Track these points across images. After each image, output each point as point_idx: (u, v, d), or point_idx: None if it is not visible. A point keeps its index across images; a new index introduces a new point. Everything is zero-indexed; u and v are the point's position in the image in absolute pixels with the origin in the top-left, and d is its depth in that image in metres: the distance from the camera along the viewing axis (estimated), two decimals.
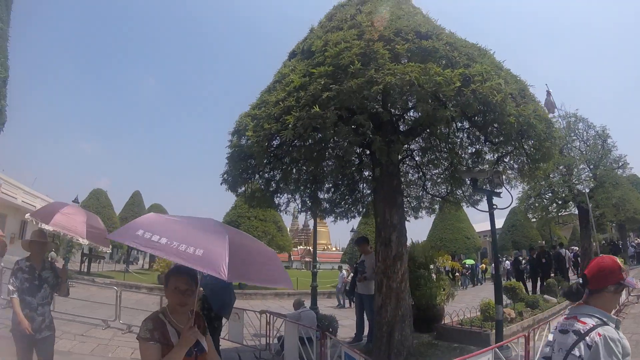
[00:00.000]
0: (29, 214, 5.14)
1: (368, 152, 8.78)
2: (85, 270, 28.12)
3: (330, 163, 9.36)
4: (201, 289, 6.28)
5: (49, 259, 5.36)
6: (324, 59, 6.66)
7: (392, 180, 8.38)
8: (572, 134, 21.09)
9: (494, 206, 8.97)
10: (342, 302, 19.19)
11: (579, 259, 22.27)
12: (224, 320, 7.59)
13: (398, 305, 7.86)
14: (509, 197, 9.05)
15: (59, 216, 4.70)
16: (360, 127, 6.73)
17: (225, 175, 8.36)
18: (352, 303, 17.30)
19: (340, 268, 23.10)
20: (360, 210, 10.92)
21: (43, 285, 4.56)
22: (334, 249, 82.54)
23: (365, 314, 9.88)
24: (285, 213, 10.65)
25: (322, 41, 7.32)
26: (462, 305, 12.60)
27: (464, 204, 11.35)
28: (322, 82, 6.20)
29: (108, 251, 5.51)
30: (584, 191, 19.90)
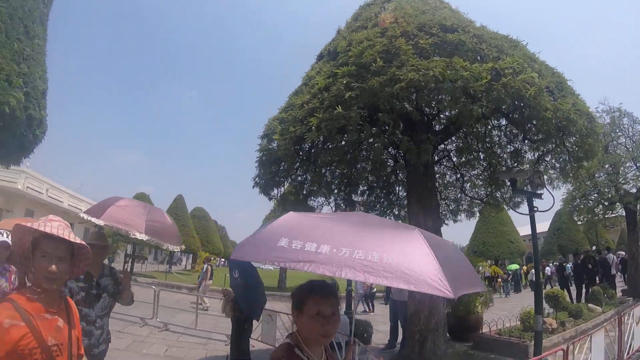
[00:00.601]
0: (83, 212, 4.44)
1: (402, 153, 8.61)
2: (129, 270, 29.29)
3: (364, 165, 9.26)
4: (231, 289, 6.31)
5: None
6: (348, 58, 6.59)
7: (427, 182, 8.12)
8: (617, 130, 19.68)
9: (535, 208, 8.51)
10: (365, 308, 18.73)
11: (625, 264, 20.75)
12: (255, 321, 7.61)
13: (432, 314, 7.58)
14: (551, 198, 8.56)
15: (113, 209, 4.14)
16: (386, 126, 6.60)
17: (257, 179, 8.44)
18: (372, 308, 17.30)
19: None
20: (397, 213, 10.69)
21: (102, 295, 3.96)
22: None
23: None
24: None
25: (347, 41, 7.27)
26: (504, 313, 12.04)
27: (504, 206, 10.87)
28: (345, 82, 6.13)
29: (176, 249, 4.59)
30: (630, 191, 18.55)
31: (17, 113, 10.32)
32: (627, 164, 19.24)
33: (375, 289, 18.10)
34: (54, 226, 1.87)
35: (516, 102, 6.53)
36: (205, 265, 17.58)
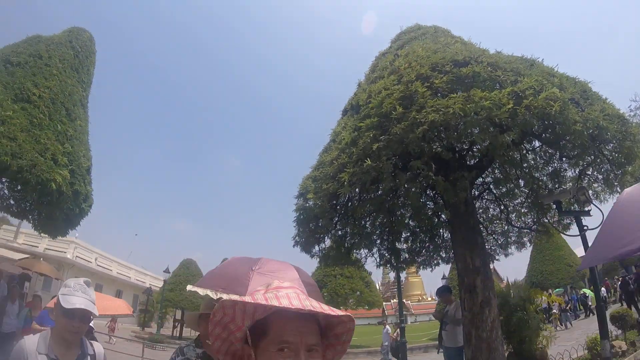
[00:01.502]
0: (190, 285, 3.18)
1: (440, 194, 8.50)
2: (177, 335, 29.23)
3: (403, 211, 9.18)
4: None
5: None
6: (369, 110, 6.75)
7: (468, 220, 7.92)
8: None
9: (585, 227, 8.14)
10: None
11: None
12: None
13: (490, 357, 7.12)
14: (600, 213, 8.19)
15: (258, 278, 2.82)
16: (419, 170, 6.60)
17: (296, 238, 8.48)
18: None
19: (382, 324, 20.77)
20: (444, 256, 10.39)
21: None
22: (429, 298, 78.79)
23: None
24: (359, 269, 10.44)
25: (367, 93, 7.48)
26: (571, 343, 11.21)
27: (554, 231, 10.40)
28: (371, 135, 6.23)
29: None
30: None
31: (64, 189, 11.08)
32: None
33: (405, 339, 16.82)
34: (291, 296, 0.99)
35: (544, 122, 6.46)
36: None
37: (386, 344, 17.56)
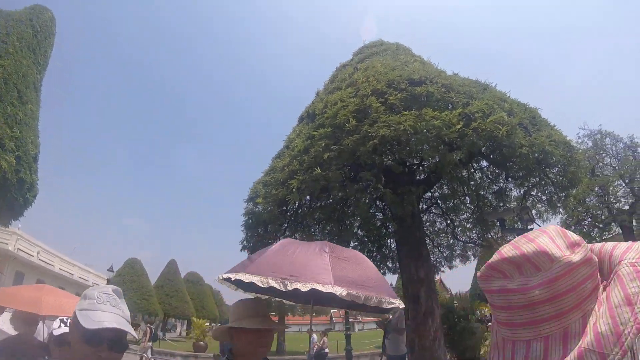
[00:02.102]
0: (221, 275, 2.82)
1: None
2: None
3: (352, 220, 9.23)
4: (220, 355, 6.07)
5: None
6: (324, 120, 6.77)
7: (415, 233, 8.08)
8: (601, 152, 20.12)
9: None
10: None
11: None
12: None
13: None
14: None
15: (338, 263, 2.67)
16: (370, 182, 6.66)
17: (244, 242, 8.37)
18: None
19: (309, 332, 21.31)
20: (390, 266, 10.53)
21: None
22: None
23: None
24: None
25: (323, 103, 7.50)
26: None
27: (497, 247, 10.77)
28: (323, 144, 6.26)
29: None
30: (623, 209, 18.70)
31: (9, 176, 10.44)
32: (616, 183, 19.50)
33: (327, 350, 16.88)
34: None
35: (492, 143, 6.68)
36: (145, 327, 17.95)
37: (312, 352, 17.64)
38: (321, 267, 2.45)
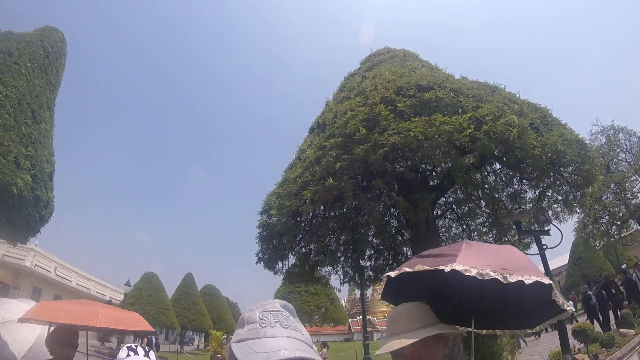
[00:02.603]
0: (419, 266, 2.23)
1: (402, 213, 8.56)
2: None
3: (367, 229, 9.21)
4: None
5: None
6: (335, 130, 6.80)
7: (430, 239, 7.97)
8: (615, 147, 19.81)
9: (544, 246, 8.39)
10: None
11: None
12: None
13: None
14: (560, 233, 8.42)
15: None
16: (382, 190, 6.66)
17: (260, 255, 8.39)
18: None
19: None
20: None
21: None
22: None
23: None
24: (327, 286, 10.40)
25: (333, 113, 7.53)
26: (535, 357, 11.46)
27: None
28: (334, 154, 6.27)
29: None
30: None
31: (25, 194, 10.65)
32: (632, 178, 19.19)
33: (369, 357, 16.73)
34: None
35: (504, 146, 6.63)
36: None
37: None
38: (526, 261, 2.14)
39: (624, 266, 19.68)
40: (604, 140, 19.72)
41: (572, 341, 9.78)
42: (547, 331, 26.07)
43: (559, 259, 42.03)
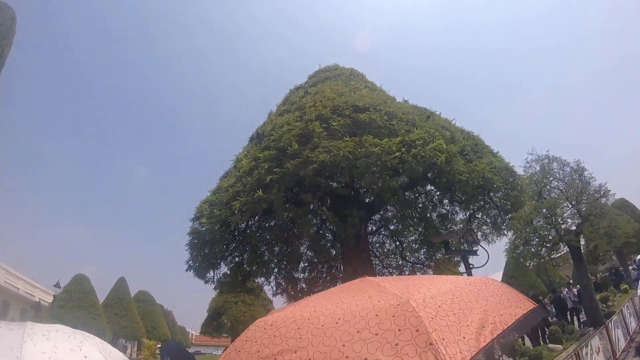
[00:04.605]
0: None
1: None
2: None
3: (301, 241, 9.26)
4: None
5: None
6: (270, 142, 6.83)
7: (361, 254, 8.14)
8: (549, 175, 21.17)
9: (471, 265, 8.78)
10: None
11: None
12: None
13: None
14: (488, 253, 8.85)
15: None
16: (313, 204, 6.74)
17: (190, 262, 8.21)
18: None
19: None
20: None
21: None
22: None
23: None
24: (257, 296, 10.32)
25: (272, 125, 7.56)
26: None
27: (443, 267, 11.03)
28: (267, 166, 6.30)
29: None
30: (570, 229, 19.70)
31: None
32: (563, 204, 20.45)
33: None
34: None
35: (433, 170, 6.90)
36: None
37: None
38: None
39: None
40: (538, 168, 20.89)
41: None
42: None
43: (495, 275, 43.92)
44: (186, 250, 8.02)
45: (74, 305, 27.68)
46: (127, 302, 36.06)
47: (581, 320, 18.73)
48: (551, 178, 21.42)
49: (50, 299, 30.09)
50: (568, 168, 21.55)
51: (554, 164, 21.56)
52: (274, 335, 2.02)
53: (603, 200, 20.89)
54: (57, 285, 26.01)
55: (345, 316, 1.91)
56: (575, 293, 21.09)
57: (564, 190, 20.99)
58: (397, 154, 6.05)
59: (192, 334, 73.30)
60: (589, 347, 8.16)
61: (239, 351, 2.12)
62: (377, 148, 5.91)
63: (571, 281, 24.71)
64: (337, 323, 1.87)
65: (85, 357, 2.33)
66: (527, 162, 20.49)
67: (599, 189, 20.58)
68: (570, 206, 20.87)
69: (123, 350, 49.95)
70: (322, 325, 1.88)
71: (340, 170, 6.35)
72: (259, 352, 1.95)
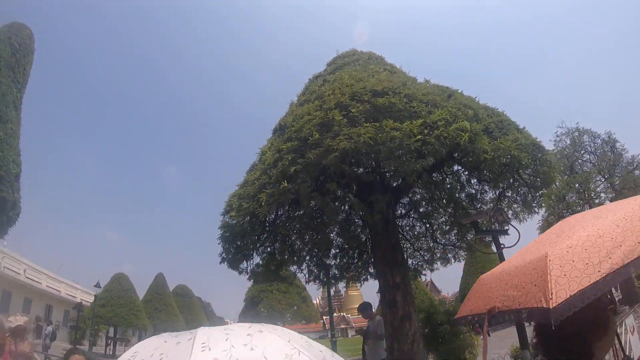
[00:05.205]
0: None
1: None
2: (110, 353, 28.27)
3: (331, 229, 9.36)
4: None
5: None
6: (292, 133, 6.92)
7: (389, 239, 8.19)
8: (580, 149, 20.45)
9: (502, 245, 8.68)
10: None
11: None
12: None
13: None
14: (519, 232, 8.72)
15: None
16: (337, 192, 6.81)
17: (223, 255, 8.45)
18: None
19: None
20: (372, 272, 10.62)
21: None
22: None
23: None
24: (291, 284, 10.55)
25: (293, 116, 7.65)
26: (501, 352, 11.75)
27: (475, 248, 10.90)
28: (290, 158, 6.40)
29: None
30: (604, 203, 19.14)
31: None
32: (596, 178, 19.80)
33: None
34: None
35: (457, 150, 6.84)
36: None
37: None
38: None
39: None
40: (568, 142, 20.31)
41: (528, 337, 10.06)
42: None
43: None
44: (219, 243, 8.26)
45: (115, 304, 28.90)
46: (166, 296, 37.23)
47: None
48: (582, 151, 20.76)
49: (91, 299, 31.41)
50: (599, 140, 20.84)
51: (585, 136, 20.88)
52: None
53: (637, 172, 20.06)
54: (97, 286, 27.08)
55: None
56: None
57: (596, 164, 20.28)
58: (418, 137, 6.02)
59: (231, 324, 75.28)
60: (623, 327, 7.98)
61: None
62: (399, 132, 5.90)
63: None
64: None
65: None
66: (557, 136, 20.04)
67: (632, 160, 19.80)
68: (604, 180, 20.16)
69: None
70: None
71: (364, 156, 6.37)
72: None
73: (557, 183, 10.33)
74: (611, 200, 18.79)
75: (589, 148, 20.41)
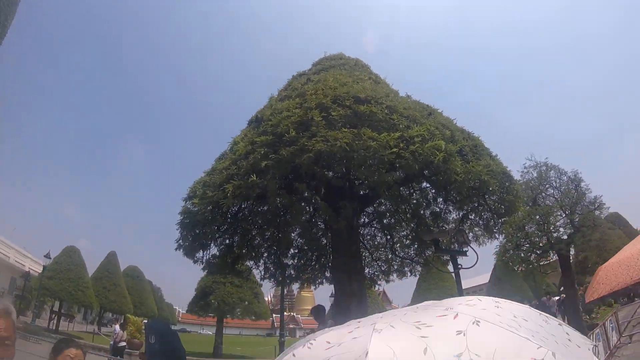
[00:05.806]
0: None
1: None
2: (54, 328, 27.19)
3: (293, 228, 9.25)
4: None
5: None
6: (268, 127, 6.77)
7: (351, 246, 8.14)
8: (545, 183, 21.25)
9: (459, 266, 8.82)
10: None
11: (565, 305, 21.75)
12: None
13: None
14: (477, 255, 8.90)
15: None
16: (304, 193, 6.71)
17: (180, 241, 8.18)
18: None
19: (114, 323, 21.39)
20: (328, 276, 10.56)
21: None
22: None
23: None
24: (246, 279, 10.38)
25: (271, 110, 7.49)
26: None
27: (431, 265, 11.08)
28: (263, 152, 6.25)
29: None
30: (562, 238, 19.87)
31: None
32: (557, 213, 20.55)
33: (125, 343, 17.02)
34: None
35: (429, 168, 6.86)
36: (116, 327, 17.05)
37: (112, 342, 17.46)
38: None
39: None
40: (535, 175, 20.96)
41: None
42: None
43: (482, 276, 44.16)
44: (177, 229, 7.99)
45: (63, 277, 27.64)
46: (117, 276, 35.98)
47: None
48: (547, 186, 21.49)
49: (40, 270, 30.05)
50: (565, 177, 21.64)
51: (552, 172, 21.62)
52: None
53: (597, 212, 21.01)
54: (47, 256, 25.93)
55: None
56: (555, 302, 21.32)
57: (559, 199, 21.09)
58: (394, 149, 6.00)
59: (179, 312, 73.78)
60: None
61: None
62: (375, 142, 5.86)
63: (562, 288, 24.91)
64: None
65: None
66: (525, 168, 20.61)
67: (594, 201, 20.68)
68: (564, 215, 20.99)
69: (110, 323, 50.29)
70: None
71: (337, 160, 6.30)
72: None
73: (520, 213, 10.57)
74: (569, 236, 19.53)
75: (554, 183, 21.14)
